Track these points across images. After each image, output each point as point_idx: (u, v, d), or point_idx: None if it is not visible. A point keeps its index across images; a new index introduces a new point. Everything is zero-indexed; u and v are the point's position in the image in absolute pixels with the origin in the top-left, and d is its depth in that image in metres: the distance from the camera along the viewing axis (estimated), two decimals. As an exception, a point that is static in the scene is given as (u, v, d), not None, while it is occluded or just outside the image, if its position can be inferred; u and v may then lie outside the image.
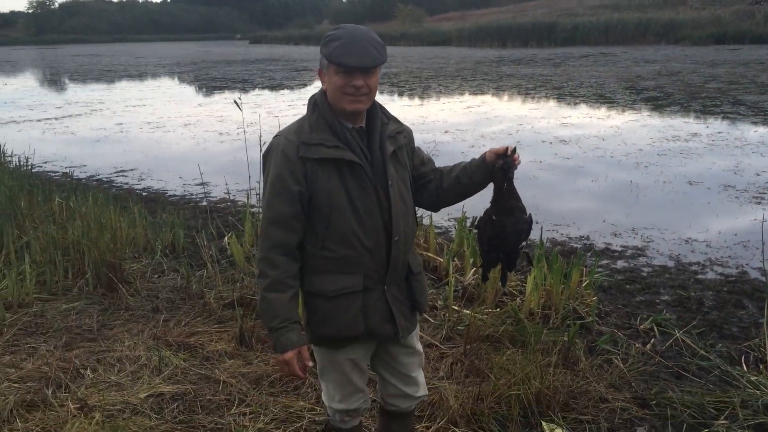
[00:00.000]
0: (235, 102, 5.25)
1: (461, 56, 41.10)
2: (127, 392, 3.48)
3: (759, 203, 7.54)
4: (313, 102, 2.36)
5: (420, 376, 2.68)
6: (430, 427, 3.21)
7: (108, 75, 34.45)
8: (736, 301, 4.95)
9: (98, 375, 3.70)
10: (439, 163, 2.69)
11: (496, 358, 3.69)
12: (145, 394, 3.46)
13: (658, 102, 16.73)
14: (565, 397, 3.43)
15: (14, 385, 3.55)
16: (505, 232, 2.54)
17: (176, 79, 31.63)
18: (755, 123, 13.08)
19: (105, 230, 5.32)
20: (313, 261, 2.36)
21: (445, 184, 2.57)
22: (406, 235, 2.44)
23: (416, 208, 2.61)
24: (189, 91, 25.63)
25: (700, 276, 5.54)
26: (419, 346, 2.65)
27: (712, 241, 6.38)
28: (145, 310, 4.76)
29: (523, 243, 2.59)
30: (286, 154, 2.27)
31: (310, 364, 2.37)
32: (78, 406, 3.30)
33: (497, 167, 2.46)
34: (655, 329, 4.43)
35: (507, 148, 2.45)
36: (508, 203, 2.51)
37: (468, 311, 4.48)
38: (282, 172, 2.27)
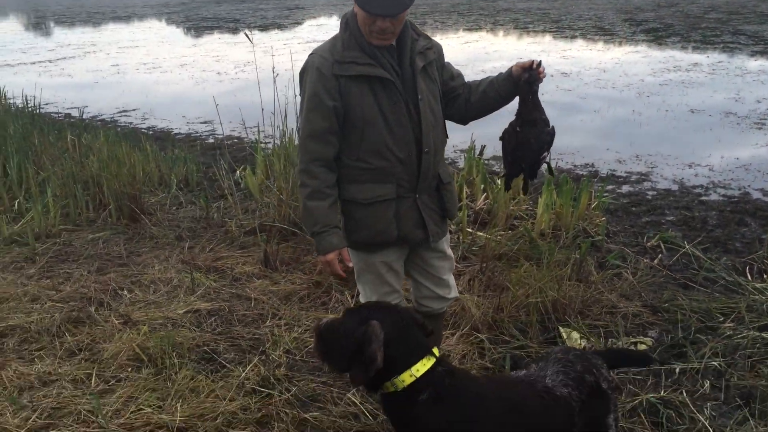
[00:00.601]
0: (246, 35, 5.28)
1: (456, -8, 40.24)
2: (166, 309, 3.67)
3: (760, 129, 7.66)
4: (345, 21, 2.46)
5: (451, 279, 2.85)
6: (455, 333, 3.41)
7: (96, 17, 33.73)
8: (739, 219, 5.12)
9: (135, 295, 3.88)
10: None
11: (513, 273, 3.87)
12: (183, 311, 3.64)
13: (658, 33, 16.61)
14: (580, 305, 3.63)
15: (57, 304, 3.73)
16: (529, 143, 2.65)
17: (167, 19, 31.02)
18: (755, 53, 13.06)
19: (122, 165, 5.43)
20: (349, 171, 2.51)
21: (473, 98, 2.68)
22: (436, 146, 2.57)
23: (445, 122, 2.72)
24: (181, 31, 25.19)
25: (703, 198, 5.70)
26: (450, 252, 2.82)
27: (714, 166, 6.52)
28: (169, 239, 4.91)
29: (545, 153, 2.70)
30: (321, 72, 2.39)
31: (351, 264, 2.55)
32: (122, 320, 3.48)
33: (523, 80, 2.55)
34: (662, 246, 4.61)
35: (533, 62, 2.54)
36: (531, 115, 2.62)
37: (482, 233, 4.65)
38: (317, 89, 2.40)
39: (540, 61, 2.57)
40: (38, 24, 31.71)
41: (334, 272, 2.53)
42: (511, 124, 2.70)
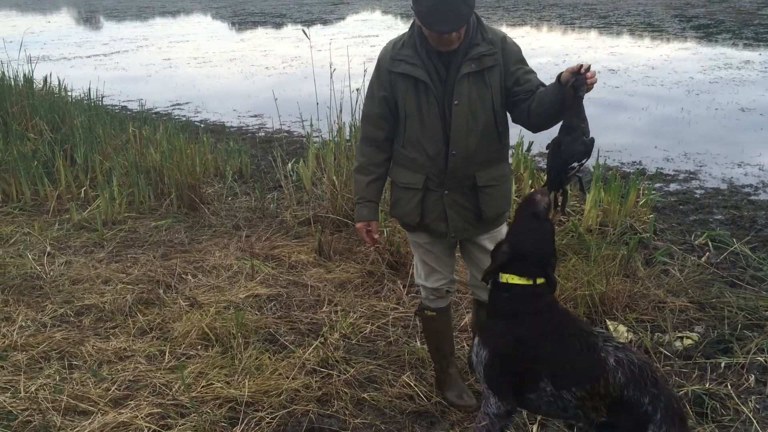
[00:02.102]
0: (304, 32, 5.46)
1: (501, -14, 39.98)
2: (228, 293, 3.89)
3: (813, 129, 7.57)
4: (414, 21, 2.60)
5: None
6: (505, 323, 3.53)
7: (146, 11, 34.54)
8: (789, 219, 5.12)
9: (199, 279, 4.11)
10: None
11: (561, 266, 3.97)
12: (244, 295, 3.85)
13: (709, 30, 16.32)
14: (627, 299, 3.72)
15: (128, 286, 3.98)
16: (559, 150, 2.48)
17: (213, 15, 31.61)
18: (810, 50, 12.76)
19: (183, 156, 5.68)
20: (397, 155, 2.80)
21: (533, 105, 2.63)
22: (469, 150, 2.63)
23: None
24: (228, 26, 25.68)
25: (753, 197, 5.69)
26: (491, 247, 2.92)
27: (764, 165, 6.48)
28: (227, 227, 5.14)
29: (574, 164, 2.48)
30: (380, 64, 2.70)
31: (377, 236, 2.89)
32: (189, 303, 3.71)
33: (569, 85, 2.43)
34: (710, 244, 4.65)
35: (581, 66, 2.44)
36: (570, 121, 2.48)
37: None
38: (374, 78, 2.73)
39: (589, 65, 2.46)
40: (89, 18, 32.66)
41: (363, 238, 2.87)
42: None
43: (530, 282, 2.31)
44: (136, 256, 4.54)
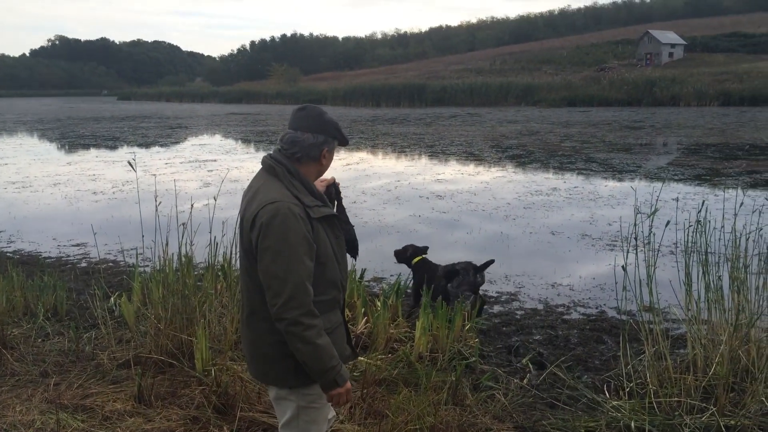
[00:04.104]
0: (129, 163, 5.31)
1: (337, 115, 41.89)
2: (26, 457, 3.41)
3: (612, 250, 8.45)
4: (286, 171, 2.56)
5: None
6: (336, 466, 3.41)
7: (-39, 131, 32.17)
8: (597, 337, 5.56)
9: (-9, 442, 3.59)
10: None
11: (392, 399, 3.96)
12: (46, 458, 3.40)
13: (521, 159, 18.14)
14: (456, 430, 3.76)
15: None
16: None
17: (40, 136, 30.11)
18: (605, 178, 14.54)
19: (-17, 295, 5.13)
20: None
21: None
22: None
23: None
24: (55, 149, 24.52)
25: (566, 316, 6.15)
26: None
27: (574, 285, 7.09)
28: (33, 375, 4.62)
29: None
30: (300, 217, 2.47)
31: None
32: (-26, 473, 3.20)
33: (332, 195, 2.89)
34: (530, 366, 4.90)
35: (333, 179, 2.93)
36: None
37: (363, 358, 4.74)
38: (304, 232, 2.46)
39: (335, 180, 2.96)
40: None
41: (349, 397, 2.63)
42: None
43: None
44: None
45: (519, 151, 20.12)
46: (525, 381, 4.62)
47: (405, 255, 6.28)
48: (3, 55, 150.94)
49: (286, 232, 2.42)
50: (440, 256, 6.58)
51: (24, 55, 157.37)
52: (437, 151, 20.60)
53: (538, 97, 51.25)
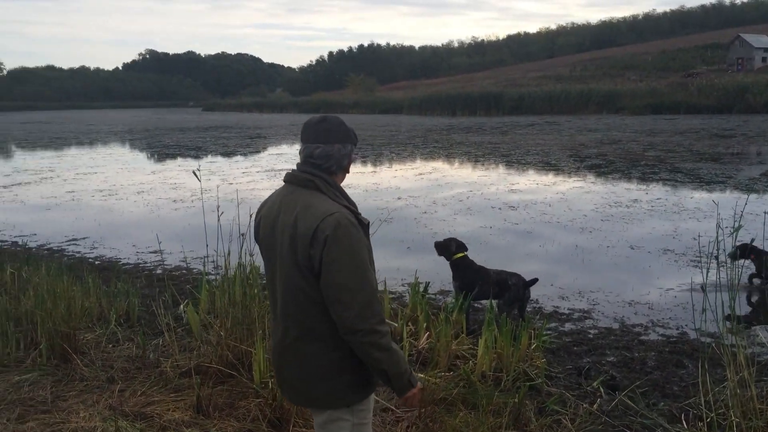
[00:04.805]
0: (194, 173, 5.37)
1: (412, 124, 42.24)
2: (83, 464, 3.46)
3: (696, 266, 7.95)
4: (326, 183, 2.50)
5: None
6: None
7: (58, 142, 34.14)
8: (677, 361, 5.20)
9: (53, 448, 3.66)
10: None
11: (449, 421, 3.80)
12: (102, 466, 3.44)
13: (601, 169, 17.51)
14: (517, 457, 3.56)
15: (-35, 460, 3.49)
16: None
17: (129, 146, 31.56)
18: (692, 189, 13.82)
19: (59, 301, 5.30)
20: None
21: None
22: None
23: None
24: (142, 158, 25.61)
25: (643, 337, 5.80)
26: None
27: (653, 303, 6.69)
28: (100, 381, 4.72)
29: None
30: (358, 226, 2.43)
31: None
32: (33, 479, 3.26)
33: None
34: (601, 390, 4.62)
35: None
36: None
37: (422, 375, 4.60)
38: (365, 241, 2.46)
39: None
40: (-2, 147, 31.85)
41: (418, 402, 2.74)
42: None
43: None
44: (-14, 420, 4.04)
45: (598, 160, 19.45)
46: (595, 406, 4.35)
47: (449, 249, 6.11)
48: (98, 69, 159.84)
49: (351, 243, 2.38)
50: (509, 268, 6.34)
51: (117, 68, 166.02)
52: (512, 160, 20.19)
53: (621, 105, 49.60)
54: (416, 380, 2.54)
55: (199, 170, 5.66)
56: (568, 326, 6.13)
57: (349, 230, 2.37)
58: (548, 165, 18.69)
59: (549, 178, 16.22)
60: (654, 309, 6.54)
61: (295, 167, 2.60)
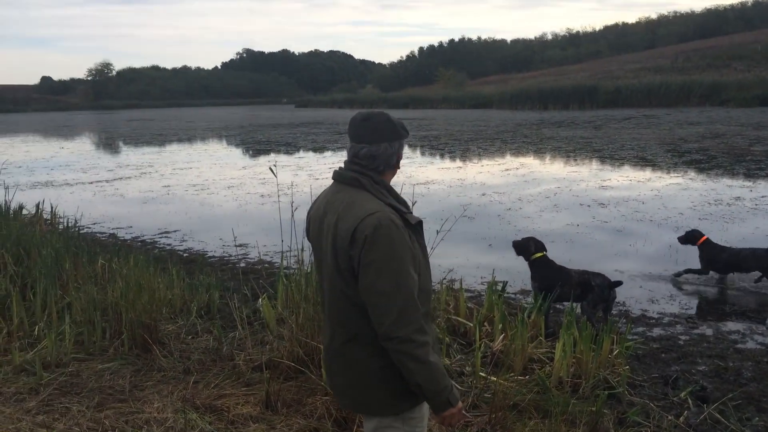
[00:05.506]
0: (271, 169, 5.43)
1: (502, 119, 41.50)
2: (152, 455, 3.53)
3: (804, 270, 7.30)
4: (373, 181, 2.40)
5: None
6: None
7: (159, 139, 35.84)
8: (777, 372, 4.77)
9: (124, 437, 3.77)
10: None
11: (520, 428, 3.63)
12: (169, 457, 3.50)
13: (701, 165, 16.53)
14: (591, 471, 3.34)
15: (45, 444, 3.64)
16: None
17: (223, 142, 32.70)
18: (802, 186, 12.78)
19: (143, 291, 5.48)
20: None
21: None
22: None
23: None
24: (235, 154, 26.44)
25: (739, 345, 5.37)
26: None
27: (752, 309, 6.21)
28: (177, 372, 4.84)
29: None
30: (400, 226, 2.30)
31: None
32: (103, 467, 3.36)
33: None
34: (690, 401, 4.29)
35: None
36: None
37: (494, 378, 4.43)
38: (409, 243, 2.32)
39: None
40: (106, 144, 33.79)
41: (462, 420, 2.55)
42: None
43: None
44: (69, 406, 4.21)
45: (699, 155, 18.37)
46: (681, 419, 4.04)
47: (528, 249, 5.86)
48: (198, 68, 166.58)
49: (391, 244, 2.24)
50: (597, 269, 6.02)
51: (216, 67, 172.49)
52: (605, 155, 19.40)
53: (726, 96, 46.68)
54: (457, 399, 2.36)
55: (275, 165, 5.73)
56: (656, 331, 5.76)
57: (390, 231, 2.24)
58: (643, 160, 17.83)
59: (644, 174, 15.46)
60: (753, 315, 6.05)
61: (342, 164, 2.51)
